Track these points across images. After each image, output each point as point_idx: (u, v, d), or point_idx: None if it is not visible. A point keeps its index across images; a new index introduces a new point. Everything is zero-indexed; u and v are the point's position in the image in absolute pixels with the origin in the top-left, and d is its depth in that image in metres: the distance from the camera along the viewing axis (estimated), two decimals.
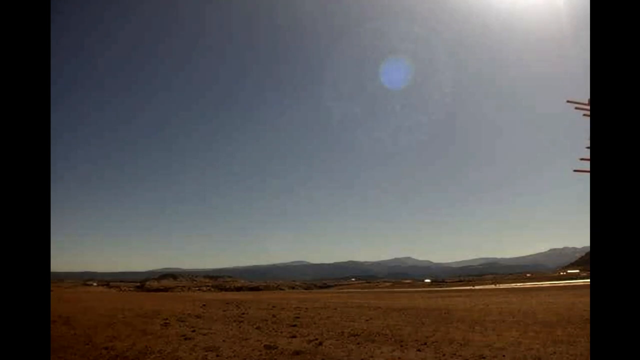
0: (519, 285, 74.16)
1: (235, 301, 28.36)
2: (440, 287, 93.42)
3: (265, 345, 8.84)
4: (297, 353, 8.02)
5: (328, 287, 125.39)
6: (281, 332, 11.06)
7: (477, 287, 72.80)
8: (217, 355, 8.01)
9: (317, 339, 9.63)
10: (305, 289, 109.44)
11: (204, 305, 23.73)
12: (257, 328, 12.03)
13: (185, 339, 9.90)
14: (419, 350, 8.22)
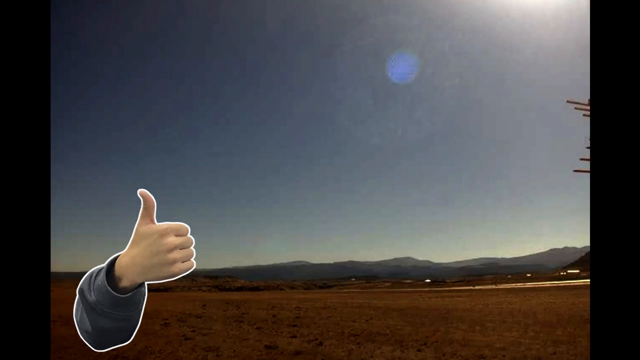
0: (519, 285, 74.13)
1: (235, 301, 28.34)
2: (440, 287, 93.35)
3: (265, 345, 8.84)
4: (297, 353, 8.02)
5: (328, 287, 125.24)
6: (281, 332, 11.06)
7: (477, 287, 72.74)
8: (217, 355, 8.01)
9: (317, 339, 9.63)
10: (305, 289, 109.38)
11: (204, 305, 23.72)
12: (257, 328, 12.03)
13: (186, 339, 9.91)
14: (419, 350, 8.22)
